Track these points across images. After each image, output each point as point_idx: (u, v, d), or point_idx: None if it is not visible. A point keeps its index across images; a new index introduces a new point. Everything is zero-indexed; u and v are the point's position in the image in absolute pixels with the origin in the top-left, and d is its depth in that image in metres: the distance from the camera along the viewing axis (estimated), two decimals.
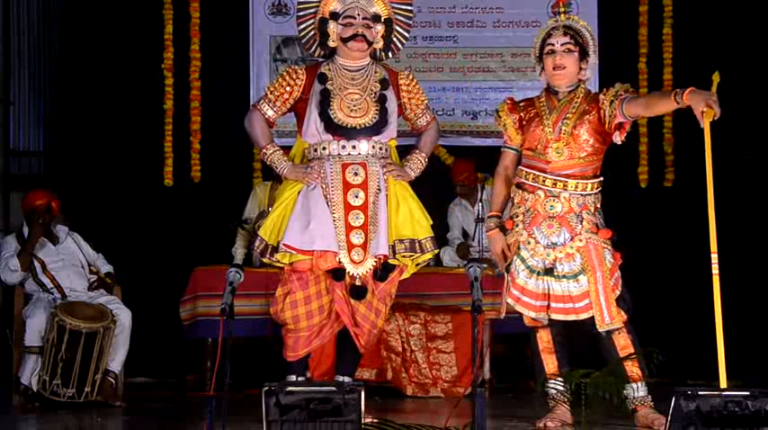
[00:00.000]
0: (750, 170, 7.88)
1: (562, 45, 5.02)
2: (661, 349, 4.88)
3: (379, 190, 5.00)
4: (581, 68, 5.06)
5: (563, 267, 4.97)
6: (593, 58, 5.10)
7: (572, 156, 4.99)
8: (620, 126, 4.98)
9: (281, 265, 5.04)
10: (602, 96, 4.98)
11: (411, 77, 5.24)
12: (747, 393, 3.93)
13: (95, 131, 8.05)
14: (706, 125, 4.60)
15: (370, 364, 6.66)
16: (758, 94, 7.86)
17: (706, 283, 4.53)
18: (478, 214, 7.10)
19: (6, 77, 8.18)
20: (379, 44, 5.18)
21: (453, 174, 7.78)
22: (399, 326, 6.71)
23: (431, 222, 5.14)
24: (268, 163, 5.14)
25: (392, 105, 5.13)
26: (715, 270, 4.43)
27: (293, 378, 5.08)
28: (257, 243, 5.06)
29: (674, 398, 3.93)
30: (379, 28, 5.14)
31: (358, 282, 4.98)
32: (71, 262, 6.54)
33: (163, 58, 8.07)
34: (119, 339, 6.29)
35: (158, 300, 7.46)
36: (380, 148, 5.07)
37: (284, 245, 4.91)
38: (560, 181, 4.99)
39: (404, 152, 5.29)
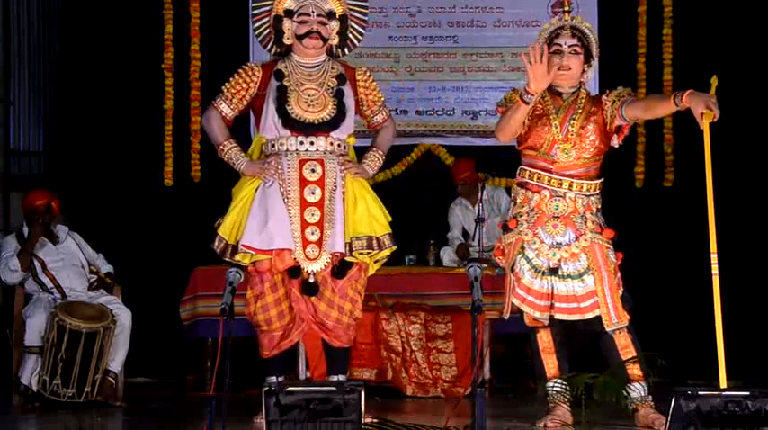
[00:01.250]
0: (750, 170, 7.88)
1: (570, 47, 5.03)
2: (661, 349, 4.89)
3: (336, 187, 5.02)
4: (584, 70, 5.08)
5: (568, 267, 4.97)
6: (595, 59, 5.12)
7: (578, 157, 5.00)
8: (618, 129, 5.01)
9: (243, 265, 5.05)
10: (604, 98, 5.01)
11: (368, 74, 5.27)
12: (747, 393, 3.93)
13: (95, 131, 8.05)
14: (705, 127, 4.62)
15: (370, 364, 6.67)
16: (758, 94, 7.86)
17: (706, 283, 4.53)
18: (478, 214, 7.11)
19: (6, 77, 8.18)
20: (335, 41, 5.20)
21: (454, 173, 7.78)
22: (399, 326, 6.71)
23: (389, 219, 5.16)
24: (225, 159, 5.15)
25: (349, 101, 5.14)
26: (715, 270, 4.43)
27: (273, 379, 5.10)
28: (216, 242, 5.07)
29: (674, 398, 3.93)
30: (334, 25, 5.15)
31: (311, 279, 4.99)
32: (71, 262, 6.54)
33: (163, 58, 8.07)
34: (119, 339, 6.29)
35: (158, 300, 7.46)
36: (338, 145, 5.09)
37: (243, 245, 4.94)
38: (566, 181, 4.99)
39: (360, 152, 5.30)
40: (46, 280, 6.43)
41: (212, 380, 4.67)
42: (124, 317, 6.34)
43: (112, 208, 7.98)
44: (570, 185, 4.99)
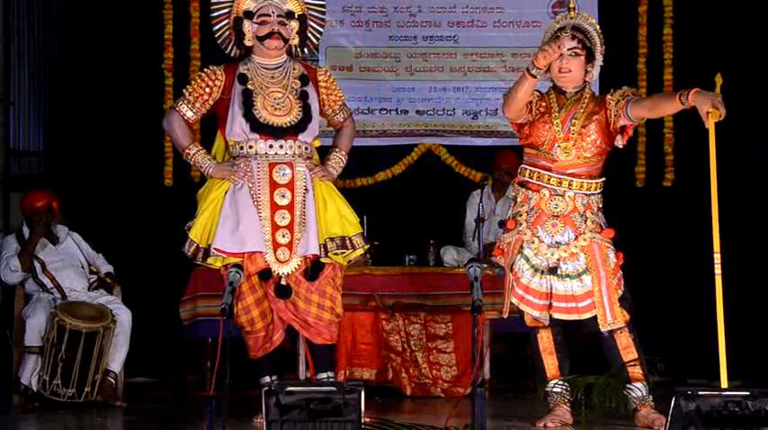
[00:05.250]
0: (752, 170, 7.87)
1: (569, 49, 5.01)
2: (661, 349, 4.90)
3: (307, 190, 5.04)
4: (587, 71, 5.06)
5: (567, 267, 4.97)
6: (599, 60, 5.08)
7: (579, 156, 5.00)
8: (622, 130, 5.00)
9: (214, 268, 5.06)
10: (608, 97, 5.01)
11: (329, 74, 5.29)
12: (747, 393, 3.93)
13: (95, 131, 8.05)
14: (711, 126, 4.61)
15: (370, 364, 6.67)
16: (759, 94, 7.86)
17: (706, 283, 4.54)
18: (479, 214, 7.10)
19: (6, 77, 8.16)
20: (295, 41, 5.20)
21: (498, 161, 7.57)
22: (399, 326, 6.70)
23: (358, 219, 5.18)
24: (191, 163, 5.17)
25: (314, 102, 5.16)
26: (717, 270, 4.42)
27: (267, 379, 5.13)
28: (187, 246, 5.08)
29: (674, 398, 3.93)
30: (294, 24, 5.17)
31: (283, 282, 5.01)
32: (71, 262, 6.54)
33: (163, 58, 8.06)
34: (119, 339, 6.29)
35: (158, 300, 7.46)
36: (306, 148, 5.10)
37: (215, 249, 4.97)
38: (566, 179, 4.99)
39: (322, 152, 5.33)
40: (46, 280, 6.43)
41: (212, 380, 4.68)
42: (124, 317, 6.34)
43: (112, 208, 7.97)
44: (570, 184, 4.99)
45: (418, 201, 8.16)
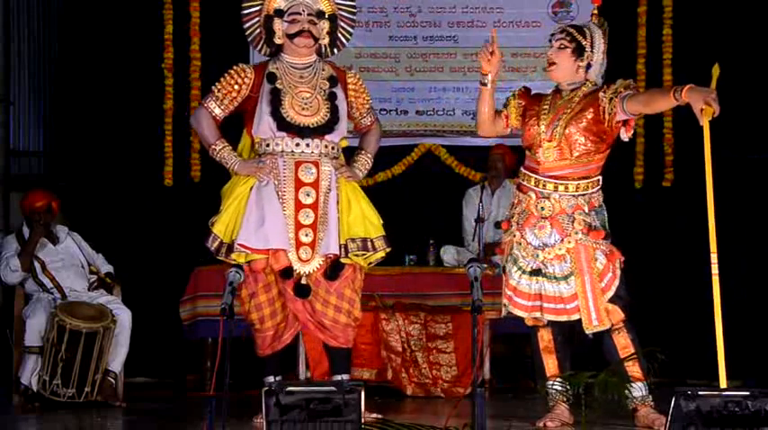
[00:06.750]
0: (752, 170, 7.87)
1: (556, 41, 5.03)
2: (661, 349, 4.88)
3: (330, 189, 5.03)
4: (578, 66, 5.03)
5: (554, 268, 4.96)
6: (597, 57, 5.04)
7: (562, 158, 4.96)
8: (625, 123, 4.95)
9: (238, 264, 5.06)
10: (601, 94, 4.93)
11: (357, 77, 5.29)
12: (747, 393, 3.93)
13: (95, 131, 8.05)
14: (705, 123, 4.57)
15: (370, 364, 6.67)
16: (759, 94, 7.86)
17: (705, 283, 4.52)
18: (479, 214, 7.10)
19: (6, 77, 8.17)
20: (325, 40, 5.20)
21: (491, 152, 7.61)
22: (399, 326, 6.71)
23: (381, 221, 5.17)
24: (218, 159, 5.16)
25: (342, 104, 5.15)
26: (715, 270, 4.42)
27: (271, 379, 5.12)
28: (211, 240, 5.06)
29: (673, 398, 3.92)
30: (325, 24, 5.16)
31: (303, 281, 5.01)
32: (71, 262, 6.54)
33: (163, 58, 8.07)
34: (119, 339, 6.29)
35: (158, 300, 7.46)
36: (332, 148, 5.10)
37: (239, 244, 4.95)
38: (550, 182, 4.97)
39: (348, 153, 5.32)
40: (46, 280, 6.43)
41: (212, 380, 4.68)
42: (124, 317, 6.34)
43: (112, 208, 7.98)
44: (555, 187, 4.97)
45: (418, 201, 8.16)
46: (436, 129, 8.20)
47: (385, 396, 6.45)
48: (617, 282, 4.94)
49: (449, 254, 7.59)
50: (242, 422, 5.10)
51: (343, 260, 5.03)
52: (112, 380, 6.24)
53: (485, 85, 5.03)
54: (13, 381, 6.27)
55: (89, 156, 8.05)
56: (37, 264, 6.45)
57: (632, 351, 4.93)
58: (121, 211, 7.98)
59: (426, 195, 8.17)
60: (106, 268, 6.67)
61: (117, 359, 6.29)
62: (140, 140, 8.04)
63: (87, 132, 8.07)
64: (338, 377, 5.13)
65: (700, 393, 3.92)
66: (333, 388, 3.98)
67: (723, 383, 4.28)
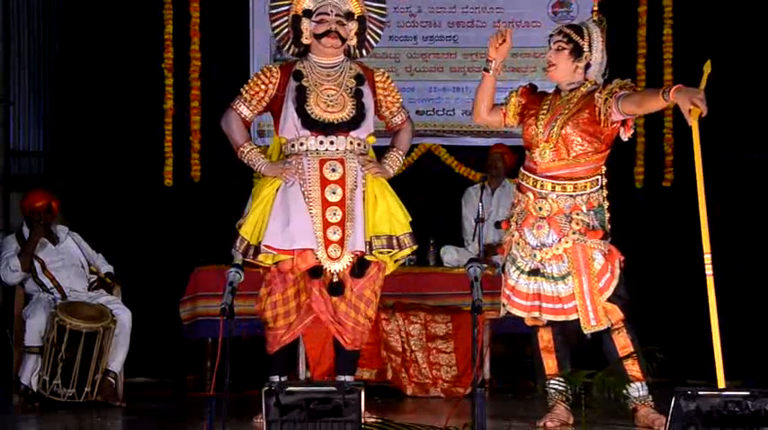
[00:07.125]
0: (752, 170, 7.87)
1: (555, 43, 5.03)
2: (661, 349, 4.88)
3: (357, 186, 5.02)
4: (577, 66, 5.03)
5: (552, 268, 4.96)
6: (596, 57, 5.04)
7: (559, 158, 4.96)
8: (623, 123, 4.96)
9: (265, 266, 5.05)
10: (597, 94, 4.94)
11: (386, 76, 5.29)
12: (747, 393, 3.93)
13: (95, 131, 8.05)
14: (693, 123, 4.58)
15: (370, 364, 6.67)
16: (759, 94, 7.86)
17: (705, 283, 4.52)
18: (479, 214, 7.09)
19: (6, 77, 8.17)
20: (353, 41, 5.20)
21: (490, 152, 7.65)
22: (399, 326, 6.71)
23: (410, 219, 5.16)
24: (246, 161, 5.16)
25: (368, 101, 5.15)
26: (709, 270, 4.42)
27: (276, 378, 5.12)
28: (238, 243, 5.06)
29: (673, 398, 3.93)
30: (353, 25, 5.16)
31: (335, 279, 4.99)
32: (71, 262, 6.54)
33: (163, 58, 8.07)
34: (119, 339, 6.29)
35: (158, 300, 7.46)
36: (358, 144, 5.09)
37: (265, 246, 4.95)
38: (547, 182, 4.98)
39: (379, 152, 5.30)
40: (46, 280, 6.43)
41: (212, 380, 4.68)
42: (124, 317, 6.34)
43: (112, 208, 7.97)
44: (553, 187, 4.97)
45: (418, 202, 8.13)
46: (436, 130, 8.20)
47: (385, 396, 6.45)
48: (615, 282, 4.94)
49: (449, 254, 7.58)
50: (242, 422, 5.10)
51: (368, 257, 5.02)
52: (112, 380, 6.25)
53: (487, 71, 5.04)
54: (13, 381, 6.27)
55: (89, 156, 8.05)
56: (37, 264, 6.45)
57: (631, 350, 4.93)
58: (121, 211, 7.98)
59: (426, 195, 8.16)
60: (106, 268, 6.67)
61: (117, 359, 6.29)
62: (140, 140, 8.04)
63: (87, 132, 8.06)
64: (342, 378, 5.13)
65: (700, 393, 3.93)
66: (333, 388, 3.98)
67: (721, 383, 4.28)
